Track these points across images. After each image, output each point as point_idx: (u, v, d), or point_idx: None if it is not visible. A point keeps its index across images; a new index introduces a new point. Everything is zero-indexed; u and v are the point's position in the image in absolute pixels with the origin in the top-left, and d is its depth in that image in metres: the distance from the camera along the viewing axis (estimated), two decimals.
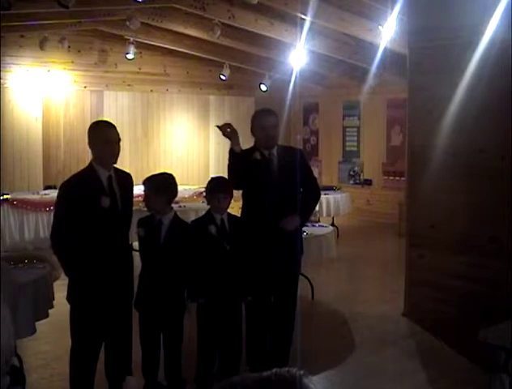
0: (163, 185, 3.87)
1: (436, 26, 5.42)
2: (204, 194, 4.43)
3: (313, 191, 4.37)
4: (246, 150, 4.33)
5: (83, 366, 3.68)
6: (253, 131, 4.24)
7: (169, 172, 4.09)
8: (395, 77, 9.85)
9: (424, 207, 5.62)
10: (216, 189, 4.01)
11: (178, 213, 4.03)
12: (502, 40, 4.91)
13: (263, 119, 4.20)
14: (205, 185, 4.26)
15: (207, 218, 4.02)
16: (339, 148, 12.69)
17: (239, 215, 4.22)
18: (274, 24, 9.13)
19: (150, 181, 3.89)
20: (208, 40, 10.04)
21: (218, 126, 4.17)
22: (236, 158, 4.09)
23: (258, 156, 4.15)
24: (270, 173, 4.14)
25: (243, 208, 4.28)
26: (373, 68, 9.67)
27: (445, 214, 5.41)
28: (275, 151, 4.20)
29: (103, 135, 3.67)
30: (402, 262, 6.02)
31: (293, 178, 4.12)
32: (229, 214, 4.06)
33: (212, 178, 4.24)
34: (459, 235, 5.28)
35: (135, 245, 5.96)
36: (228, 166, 4.17)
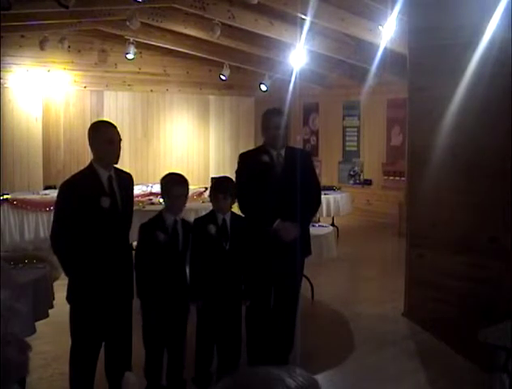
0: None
1: (436, 26, 5.42)
2: (208, 194, 4.45)
3: (316, 196, 4.38)
4: (254, 150, 4.33)
5: (82, 366, 3.68)
6: (263, 130, 4.24)
7: (176, 172, 4.10)
8: (395, 77, 9.85)
9: (424, 206, 5.62)
10: (217, 189, 4.02)
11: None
12: (502, 40, 4.91)
13: (275, 119, 4.19)
14: (205, 185, 4.28)
15: (209, 217, 4.03)
16: (339, 148, 12.69)
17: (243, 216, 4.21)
18: (274, 24, 9.13)
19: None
20: (208, 40, 10.04)
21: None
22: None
23: (266, 158, 4.14)
24: (278, 176, 4.14)
25: (242, 209, 4.26)
26: (373, 68, 9.66)
27: (445, 214, 5.41)
28: (283, 152, 4.20)
29: (103, 135, 3.66)
30: (402, 262, 6.02)
31: (299, 181, 4.12)
32: (233, 214, 4.06)
33: (215, 178, 4.24)
34: (459, 235, 5.27)
35: (135, 245, 5.97)
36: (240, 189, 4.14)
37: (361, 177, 12.24)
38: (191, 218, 5.57)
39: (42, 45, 10.28)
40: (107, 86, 11.73)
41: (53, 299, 4.26)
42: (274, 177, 4.13)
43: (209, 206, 4.32)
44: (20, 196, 9.04)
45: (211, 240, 3.94)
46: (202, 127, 13.00)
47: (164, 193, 3.86)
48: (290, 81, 11.12)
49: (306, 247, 4.32)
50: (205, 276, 3.94)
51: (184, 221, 3.93)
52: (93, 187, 3.59)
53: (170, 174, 3.98)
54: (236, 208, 4.19)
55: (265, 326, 4.24)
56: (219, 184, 4.08)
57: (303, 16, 8.07)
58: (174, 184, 3.84)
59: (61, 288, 4.00)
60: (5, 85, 10.61)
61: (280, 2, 7.96)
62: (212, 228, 3.94)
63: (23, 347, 1.47)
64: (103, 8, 8.71)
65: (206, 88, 12.86)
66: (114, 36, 10.94)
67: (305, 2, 7.50)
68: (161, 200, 4.68)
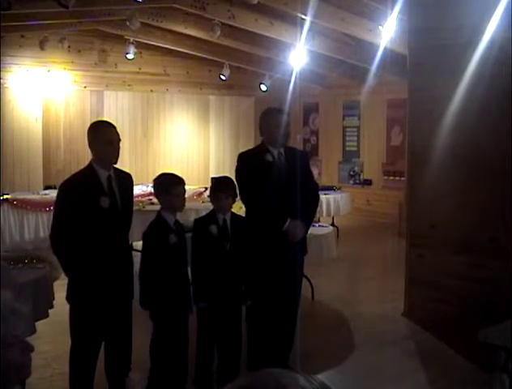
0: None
1: (436, 26, 5.42)
2: (208, 193, 4.43)
3: (315, 196, 4.39)
4: (254, 149, 4.33)
5: (82, 366, 3.68)
6: (265, 129, 4.20)
7: (169, 172, 4.08)
8: (395, 77, 9.84)
9: (424, 206, 5.62)
10: (218, 188, 4.01)
11: (178, 213, 4.00)
12: (502, 40, 4.91)
13: (276, 116, 4.18)
14: (205, 185, 4.27)
15: (210, 217, 4.02)
16: (339, 148, 12.69)
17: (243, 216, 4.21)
18: (274, 24, 9.13)
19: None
20: (208, 40, 10.04)
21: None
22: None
23: (269, 157, 4.14)
24: (280, 175, 4.13)
25: (248, 208, 4.26)
26: (373, 68, 9.66)
27: (446, 214, 5.40)
28: (282, 150, 4.20)
29: (103, 135, 3.66)
30: (402, 262, 6.02)
31: (299, 181, 4.12)
32: (233, 214, 4.05)
33: (215, 178, 4.23)
34: (459, 235, 5.27)
35: (135, 245, 5.98)
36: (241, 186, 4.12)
37: (361, 177, 12.24)
38: (191, 218, 5.58)
39: (42, 45, 10.29)
40: (107, 86, 11.73)
41: (53, 299, 4.25)
42: (278, 177, 4.12)
43: (209, 206, 4.32)
44: (20, 196, 9.04)
45: (212, 240, 3.94)
46: (202, 127, 13.00)
47: (163, 193, 3.83)
48: (290, 81, 11.11)
49: (304, 246, 4.33)
50: (207, 277, 3.93)
51: (178, 221, 3.92)
52: (92, 187, 3.59)
53: (165, 174, 3.97)
54: (234, 208, 4.18)
55: (266, 326, 4.23)
56: (220, 183, 4.07)
57: (303, 16, 8.07)
58: (174, 183, 3.83)
59: (61, 288, 4.00)
60: (5, 85, 10.62)
61: (280, 2, 7.96)
62: (214, 229, 3.93)
63: (25, 348, 1.48)
64: (103, 8, 8.71)
65: (206, 88, 12.86)
66: (114, 36, 10.94)
67: (305, 2, 7.50)
68: None
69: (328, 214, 9.86)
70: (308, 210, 4.21)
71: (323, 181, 12.26)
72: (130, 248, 4.03)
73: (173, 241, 3.73)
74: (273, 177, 4.11)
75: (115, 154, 3.68)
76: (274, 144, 4.16)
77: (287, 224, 4.04)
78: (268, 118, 4.21)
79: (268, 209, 4.07)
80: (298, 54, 10.14)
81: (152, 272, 3.71)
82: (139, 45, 10.93)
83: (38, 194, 9.45)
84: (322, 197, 9.48)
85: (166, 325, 3.78)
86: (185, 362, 3.90)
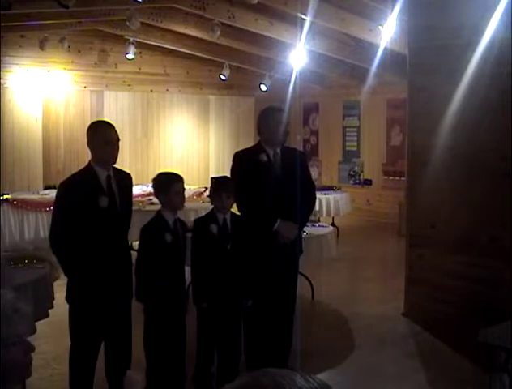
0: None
1: (436, 26, 5.42)
2: (208, 193, 4.41)
3: (311, 196, 4.38)
4: (250, 149, 4.32)
5: (82, 366, 3.68)
6: (263, 128, 4.18)
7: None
8: (395, 77, 9.85)
9: (424, 207, 5.62)
10: (220, 188, 3.99)
11: (178, 213, 4.00)
12: (502, 40, 4.92)
13: (277, 115, 4.16)
14: (205, 185, 4.26)
15: (210, 217, 4.01)
16: (339, 148, 12.69)
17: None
18: (274, 24, 9.13)
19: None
20: (208, 40, 10.04)
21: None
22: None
23: (264, 157, 4.13)
24: (275, 175, 4.13)
25: (239, 208, 4.25)
26: (373, 68, 9.66)
27: (446, 214, 5.41)
28: (279, 150, 4.19)
29: (102, 135, 3.66)
30: (402, 262, 6.02)
31: (296, 181, 4.11)
32: (233, 213, 4.05)
33: (216, 178, 4.22)
34: (459, 235, 5.28)
35: (135, 245, 5.98)
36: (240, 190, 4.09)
37: (361, 177, 12.24)
38: (191, 218, 5.57)
39: (42, 45, 10.29)
40: (107, 86, 11.73)
41: (53, 299, 4.25)
42: (273, 177, 4.12)
43: (209, 206, 4.31)
44: (20, 196, 9.05)
45: (212, 240, 3.93)
46: (202, 127, 13.00)
47: (163, 191, 3.82)
48: (290, 81, 11.11)
49: (299, 246, 4.32)
50: (207, 277, 3.93)
51: (180, 220, 3.92)
52: (91, 187, 3.59)
53: (164, 173, 3.97)
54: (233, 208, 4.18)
55: (264, 325, 4.23)
56: (222, 183, 4.06)
57: (303, 16, 8.07)
58: (173, 180, 3.82)
59: (61, 288, 4.00)
60: (5, 85, 10.61)
61: (280, 2, 7.97)
62: (214, 228, 3.92)
63: (27, 348, 1.47)
64: (103, 8, 8.71)
65: (206, 88, 12.85)
66: (114, 36, 10.94)
67: (305, 2, 7.50)
68: None
69: (328, 214, 9.86)
70: (302, 210, 4.19)
71: (323, 181, 12.27)
72: (130, 248, 4.02)
73: (169, 240, 3.73)
74: (267, 177, 4.10)
75: (114, 154, 3.68)
76: (271, 144, 4.15)
77: (277, 224, 4.03)
78: (267, 117, 4.20)
79: (259, 209, 4.07)
80: (298, 54, 10.14)
81: (146, 268, 3.72)
82: (139, 45, 10.92)
83: (38, 194, 9.46)
84: (322, 197, 9.49)
85: (157, 320, 3.77)
86: (181, 360, 3.89)
